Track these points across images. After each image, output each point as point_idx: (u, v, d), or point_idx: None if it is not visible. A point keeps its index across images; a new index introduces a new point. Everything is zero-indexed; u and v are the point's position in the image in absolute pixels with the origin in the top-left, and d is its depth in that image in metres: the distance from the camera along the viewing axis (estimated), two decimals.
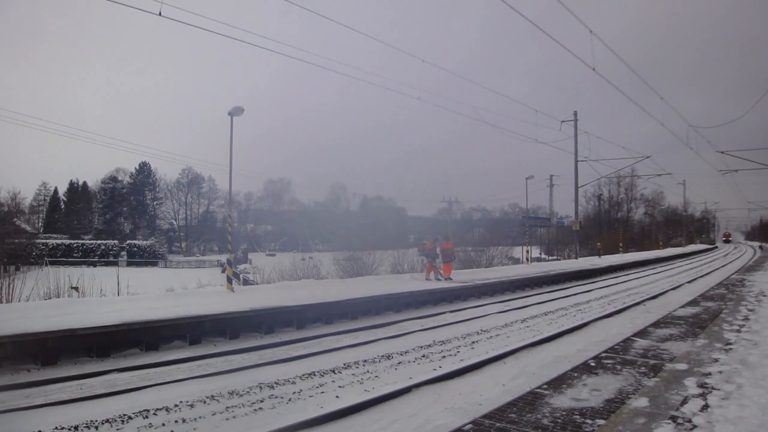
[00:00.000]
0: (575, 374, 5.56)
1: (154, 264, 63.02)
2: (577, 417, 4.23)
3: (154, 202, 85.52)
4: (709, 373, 5.33)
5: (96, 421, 4.91)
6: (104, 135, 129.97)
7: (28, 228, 60.80)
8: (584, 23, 14.49)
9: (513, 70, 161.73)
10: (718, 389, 4.77)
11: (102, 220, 79.33)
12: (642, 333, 7.94)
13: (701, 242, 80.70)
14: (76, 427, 4.76)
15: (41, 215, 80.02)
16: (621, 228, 58.65)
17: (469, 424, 4.11)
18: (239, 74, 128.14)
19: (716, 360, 5.93)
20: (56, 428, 4.72)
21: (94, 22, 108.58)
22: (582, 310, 12.52)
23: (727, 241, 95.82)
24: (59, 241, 62.84)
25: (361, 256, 31.17)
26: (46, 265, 33.94)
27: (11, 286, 12.77)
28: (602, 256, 36.61)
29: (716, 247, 74.04)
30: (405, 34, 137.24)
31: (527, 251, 29.39)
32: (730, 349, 6.52)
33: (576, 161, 33.76)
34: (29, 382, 6.24)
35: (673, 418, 4.03)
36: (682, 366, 5.69)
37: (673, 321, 9.00)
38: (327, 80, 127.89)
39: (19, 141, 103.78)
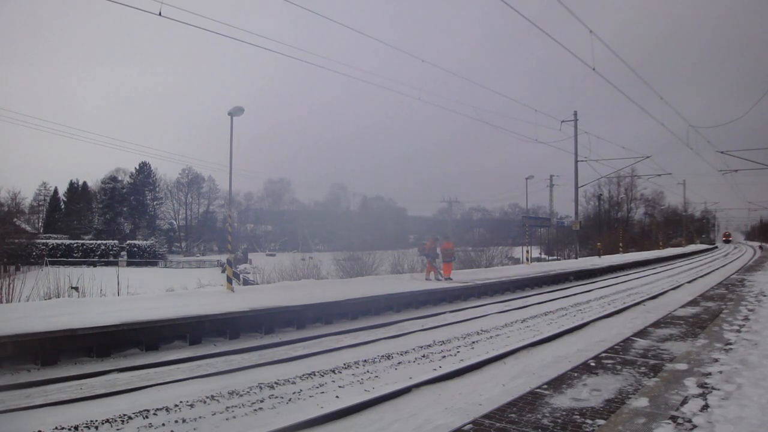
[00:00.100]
0: (575, 374, 5.56)
1: (154, 264, 63.03)
2: (577, 417, 4.23)
3: (154, 202, 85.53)
4: (709, 373, 5.33)
5: (96, 421, 4.91)
6: (104, 135, 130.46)
7: (28, 228, 60.86)
8: (584, 23, 14.50)
9: (513, 70, 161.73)
10: (718, 389, 4.77)
11: (102, 220, 79.34)
12: (642, 333, 7.94)
13: (701, 242, 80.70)
14: (76, 427, 4.76)
15: (41, 215, 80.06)
16: (621, 228, 58.63)
17: (469, 424, 4.11)
18: (239, 74, 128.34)
19: (716, 360, 5.93)
20: (56, 428, 4.72)
21: (94, 22, 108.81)
22: (582, 310, 12.52)
23: (727, 241, 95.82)
24: (59, 241, 62.86)
25: (361, 256, 31.21)
26: (46, 265, 33.95)
27: (11, 286, 12.78)
28: (602, 256, 36.62)
29: (716, 247, 74.05)
30: (405, 34, 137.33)
31: (527, 251, 29.39)
32: (730, 349, 6.52)
33: (576, 161, 33.78)
34: (29, 382, 6.24)
35: (673, 418, 4.03)
36: (682, 366, 5.69)
37: (673, 321, 9.00)
38: (327, 80, 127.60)
39: (19, 141, 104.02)
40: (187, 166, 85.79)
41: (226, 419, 5.06)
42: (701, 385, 4.90)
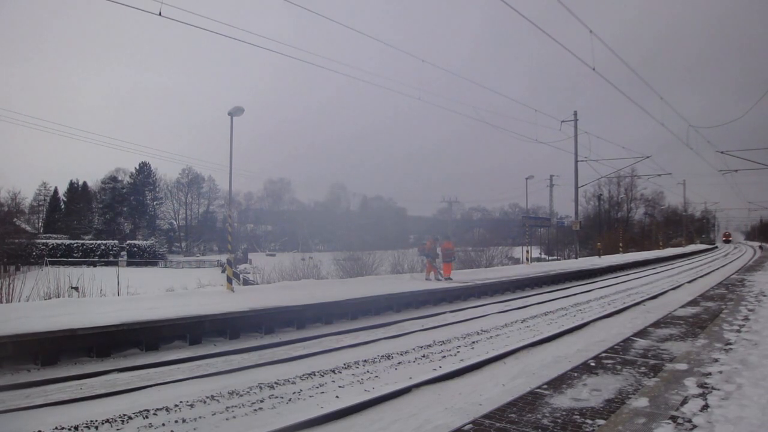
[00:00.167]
0: (575, 374, 5.56)
1: (154, 264, 63.02)
2: (577, 417, 4.23)
3: (154, 202, 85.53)
4: (709, 373, 5.33)
5: (96, 421, 4.91)
6: (104, 135, 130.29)
7: (28, 228, 60.83)
8: (584, 23, 14.50)
9: (513, 70, 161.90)
10: (718, 389, 4.77)
11: (102, 220, 79.35)
12: (642, 333, 7.94)
13: (701, 242, 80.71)
14: (76, 427, 4.76)
15: (41, 215, 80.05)
16: (621, 228, 58.64)
17: (469, 424, 4.11)
18: (239, 74, 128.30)
19: (716, 360, 5.93)
20: (56, 428, 4.72)
21: (94, 22, 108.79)
22: (582, 310, 12.52)
23: (727, 241, 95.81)
24: (59, 241, 62.85)
25: (361, 256, 31.21)
26: (46, 265, 33.94)
27: (11, 286, 12.77)
28: (602, 256, 36.61)
29: (716, 247, 74.03)
30: (405, 34, 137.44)
31: (527, 251, 29.39)
32: (730, 349, 6.52)
33: (576, 161, 33.78)
34: (29, 382, 6.24)
35: (673, 418, 4.03)
36: (682, 366, 5.69)
37: (673, 321, 9.00)
38: (327, 80, 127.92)
39: (19, 141, 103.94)
40: (187, 166, 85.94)
41: (226, 419, 5.06)
42: (701, 385, 4.90)
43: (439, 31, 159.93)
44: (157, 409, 5.23)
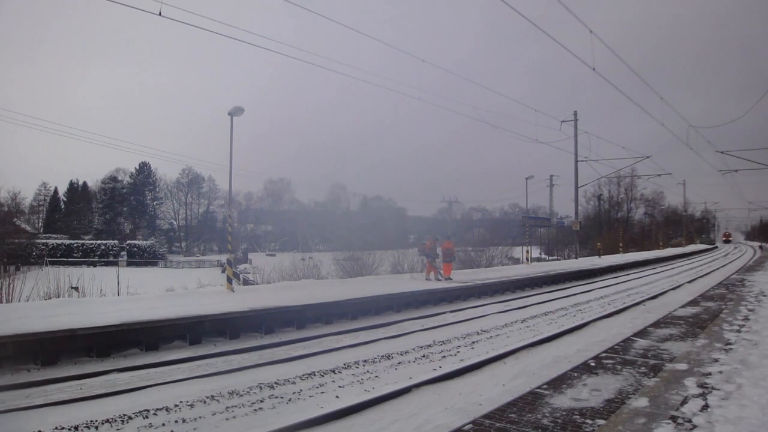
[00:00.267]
0: (575, 374, 5.56)
1: (154, 264, 63.02)
2: (577, 417, 4.23)
3: (154, 202, 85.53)
4: (709, 373, 5.33)
5: (96, 421, 4.91)
6: (104, 135, 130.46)
7: (28, 228, 60.83)
8: (584, 23, 14.50)
9: (513, 70, 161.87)
10: (718, 389, 4.77)
11: (102, 220, 79.34)
12: (642, 333, 7.94)
13: (701, 242, 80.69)
14: (76, 427, 4.76)
15: (41, 215, 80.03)
16: (621, 228, 58.65)
17: (469, 424, 4.11)
18: (239, 74, 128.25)
19: (716, 360, 5.93)
20: (56, 428, 4.72)
21: (94, 22, 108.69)
22: (582, 310, 12.52)
23: (727, 241, 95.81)
24: (59, 241, 62.85)
25: (361, 256, 31.22)
26: (46, 265, 33.94)
27: (11, 286, 12.77)
28: (602, 256, 36.61)
29: (716, 247, 74.03)
30: (405, 34, 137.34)
31: (527, 251, 29.40)
32: (730, 349, 6.52)
33: (576, 161, 33.78)
34: (29, 382, 6.24)
35: (673, 418, 4.03)
36: (682, 366, 5.69)
37: (673, 321, 9.00)
38: (327, 80, 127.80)
39: (19, 141, 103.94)
40: (187, 166, 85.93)
41: (226, 419, 5.06)
42: (701, 385, 4.90)
43: (439, 31, 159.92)
44: (157, 409, 5.23)
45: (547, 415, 4.28)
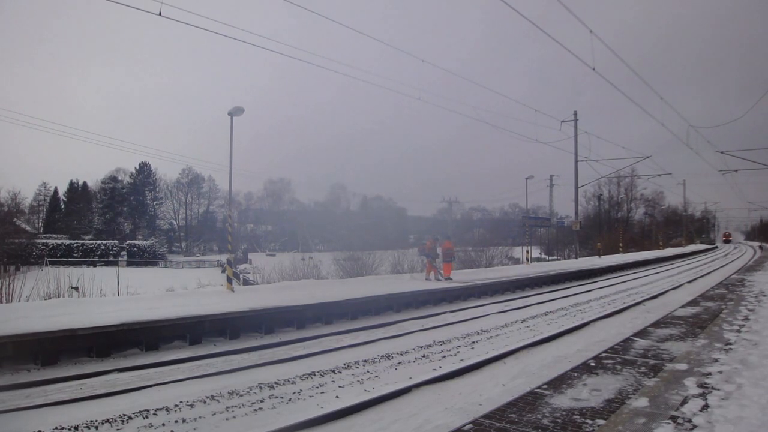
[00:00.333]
0: (575, 374, 5.56)
1: (154, 264, 63.01)
2: (577, 417, 4.23)
3: (154, 202, 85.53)
4: (709, 373, 5.33)
5: (96, 421, 4.91)
6: (104, 135, 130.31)
7: (28, 228, 60.81)
8: (584, 23, 14.51)
9: (513, 70, 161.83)
10: (718, 389, 4.77)
11: (102, 220, 79.33)
12: (642, 333, 7.94)
13: (701, 242, 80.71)
14: (76, 427, 4.76)
15: (41, 215, 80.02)
16: (621, 228, 58.66)
17: (469, 424, 4.11)
18: (239, 74, 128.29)
19: (716, 360, 5.93)
20: (56, 428, 4.72)
21: (94, 22, 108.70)
22: (582, 310, 12.52)
23: (727, 241, 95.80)
24: (59, 241, 62.84)
25: (361, 256, 31.22)
26: (46, 265, 33.94)
27: (11, 286, 12.77)
28: (602, 256, 36.61)
29: (716, 247, 74.03)
30: (405, 33, 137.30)
31: (527, 251, 29.40)
32: (730, 349, 6.52)
33: (576, 161, 33.79)
34: (29, 382, 6.24)
35: (673, 418, 4.03)
36: (682, 366, 5.69)
37: (673, 321, 9.00)
38: (327, 80, 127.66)
39: (19, 141, 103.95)
40: (187, 166, 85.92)
41: (226, 419, 5.06)
42: (701, 385, 4.90)
43: (439, 31, 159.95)
44: (157, 409, 5.23)
45: (547, 415, 4.28)
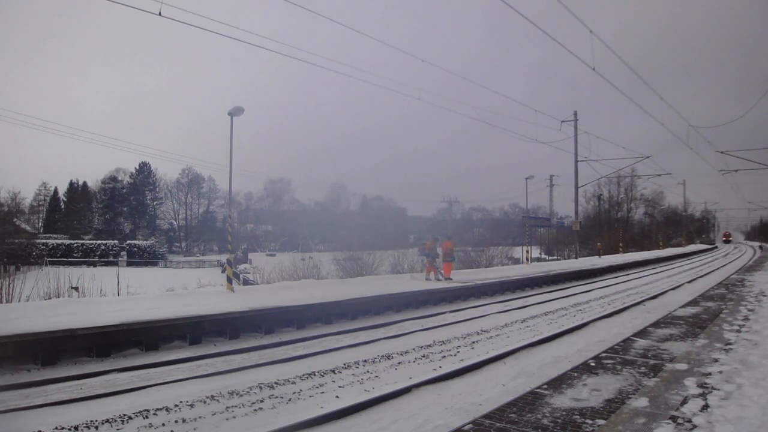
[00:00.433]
0: (575, 374, 5.56)
1: (154, 264, 62.99)
2: (577, 417, 4.23)
3: (154, 202, 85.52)
4: (709, 373, 5.34)
5: (96, 421, 4.91)
6: (104, 135, 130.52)
7: (28, 228, 60.81)
8: (584, 23, 14.51)
9: (513, 69, 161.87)
10: (718, 389, 4.77)
11: (102, 220, 79.32)
12: (642, 333, 7.94)
13: (701, 242, 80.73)
14: (76, 427, 4.76)
15: (41, 215, 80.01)
16: (621, 228, 58.63)
17: (469, 424, 4.11)
18: (239, 74, 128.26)
19: (716, 360, 5.93)
20: (56, 428, 4.72)
21: (94, 22, 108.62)
22: (582, 310, 12.52)
23: (727, 241, 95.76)
24: (59, 241, 62.82)
25: (361, 256, 31.20)
26: (46, 265, 33.93)
27: (11, 286, 12.77)
28: (602, 256, 36.61)
29: (716, 247, 74.02)
30: (405, 34, 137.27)
31: (527, 251, 29.40)
32: (730, 349, 6.52)
33: (576, 161, 33.78)
34: (29, 382, 6.24)
35: (673, 418, 4.03)
36: (682, 366, 5.69)
37: (673, 321, 9.00)
38: (327, 80, 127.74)
39: (19, 141, 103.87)
40: (187, 166, 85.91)
41: (226, 419, 5.06)
42: (701, 385, 4.90)
43: (439, 31, 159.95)
44: (157, 409, 5.23)
45: (547, 415, 4.28)
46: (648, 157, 32.50)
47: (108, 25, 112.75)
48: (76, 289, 13.82)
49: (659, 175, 38.46)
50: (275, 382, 6.21)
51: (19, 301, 12.16)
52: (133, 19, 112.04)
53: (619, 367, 5.87)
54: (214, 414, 5.17)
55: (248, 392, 5.85)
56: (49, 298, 11.94)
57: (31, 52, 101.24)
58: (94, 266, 42.59)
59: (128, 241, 67.85)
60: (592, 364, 6.02)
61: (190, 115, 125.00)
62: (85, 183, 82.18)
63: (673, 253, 44.97)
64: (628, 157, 33.90)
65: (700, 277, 22.92)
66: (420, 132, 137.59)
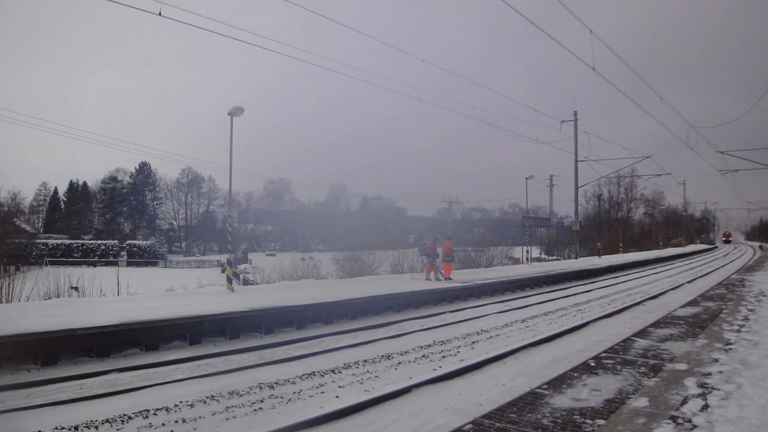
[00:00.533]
0: (575, 374, 5.56)
1: (154, 264, 62.99)
2: (577, 417, 4.23)
3: (154, 202, 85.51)
4: (709, 373, 5.33)
5: (96, 421, 4.91)
6: (104, 135, 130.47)
7: (28, 228, 60.80)
8: (584, 23, 14.51)
9: (513, 69, 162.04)
10: (718, 389, 4.77)
11: (102, 220, 79.31)
12: (642, 333, 7.94)
13: (701, 242, 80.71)
14: (76, 427, 4.76)
15: (41, 215, 79.99)
16: (621, 228, 58.61)
17: (469, 424, 4.11)
18: (239, 74, 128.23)
19: (716, 360, 5.93)
20: (56, 428, 4.72)
21: (94, 22, 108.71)
22: (582, 310, 12.52)
23: (727, 241, 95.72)
24: (59, 241, 62.82)
25: (361, 256, 31.18)
26: (46, 265, 33.94)
27: (11, 286, 12.77)
28: (602, 256, 36.61)
29: (716, 247, 74.01)
30: (405, 34, 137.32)
31: (527, 251, 29.38)
32: (730, 349, 6.52)
33: (576, 161, 33.77)
34: (29, 382, 6.24)
35: (673, 418, 4.03)
36: (682, 366, 5.69)
37: (673, 321, 9.00)
38: (327, 80, 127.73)
39: (19, 141, 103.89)
40: (187, 166, 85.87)
41: (226, 419, 5.06)
42: (701, 385, 4.90)
43: (439, 31, 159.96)
44: (157, 409, 5.23)
45: (547, 415, 4.28)
46: (648, 157, 32.52)
47: (108, 25, 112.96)
48: (76, 289, 13.82)
49: (659, 175, 38.50)
50: (275, 382, 6.21)
51: (19, 301, 12.16)
52: (133, 19, 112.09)
53: (619, 367, 5.87)
54: (214, 414, 5.17)
55: (248, 392, 5.85)
56: (49, 298, 11.94)
57: (31, 52, 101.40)
58: (94, 266, 42.60)
59: (128, 241, 67.84)
60: (592, 364, 6.02)
61: (190, 115, 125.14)
62: (85, 183, 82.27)
63: (673, 253, 44.97)
64: (628, 157, 33.93)
65: (700, 277, 22.92)
66: (420, 132, 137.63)
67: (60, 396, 5.70)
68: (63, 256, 55.37)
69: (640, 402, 4.43)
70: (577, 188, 35.44)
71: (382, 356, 7.65)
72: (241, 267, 49.87)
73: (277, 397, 5.72)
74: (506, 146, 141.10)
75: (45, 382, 6.25)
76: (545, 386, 5.12)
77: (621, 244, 45.64)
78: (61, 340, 7.26)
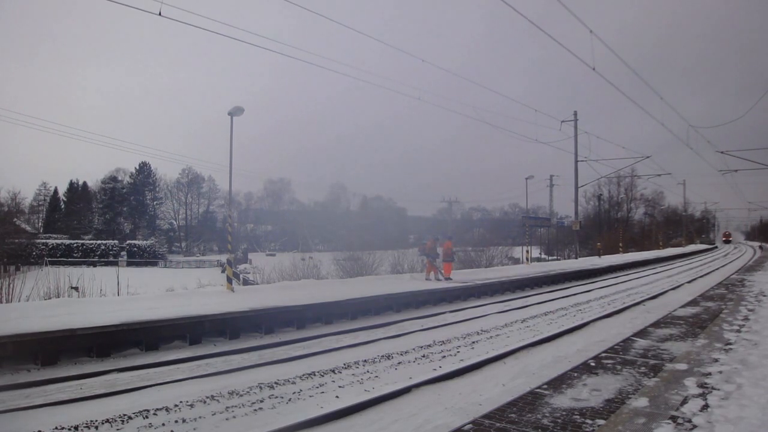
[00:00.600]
0: (575, 374, 5.56)
1: (154, 264, 62.99)
2: (577, 417, 4.23)
3: (154, 202, 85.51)
4: (709, 373, 5.33)
5: (96, 421, 4.91)
6: (104, 135, 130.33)
7: (28, 228, 60.80)
8: (584, 23, 14.51)
9: (513, 69, 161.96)
10: (718, 389, 4.77)
11: (102, 220, 79.31)
12: (642, 333, 7.94)
13: (701, 242, 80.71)
14: (76, 427, 4.76)
15: (41, 215, 79.99)
16: (621, 228, 58.62)
17: (469, 424, 4.11)
18: (239, 74, 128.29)
19: (716, 360, 5.93)
20: (56, 428, 4.72)
21: (94, 22, 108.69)
22: (582, 310, 12.52)
23: (727, 241, 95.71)
24: (59, 241, 62.82)
25: (361, 256, 31.17)
26: (46, 265, 33.93)
27: (11, 286, 12.77)
28: (602, 256, 36.62)
29: (716, 247, 74.01)
30: (405, 33, 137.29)
31: (527, 251, 29.37)
32: (730, 349, 6.52)
33: (576, 161, 33.78)
34: (29, 382, 6.24)
35: (673, 418, 4.03)
36: (682, 366, 5.69)
37: (673, 321, 9.00)
38: (327, 80, 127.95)
39: (19, 141, 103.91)
40: (187, 166, 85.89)
41: (226, 419, 5.06)
42: (701, 385, 4.90)
43: (439, 31, 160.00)
44: (157, 409, 5.23)
45: (547, 415, 4.28)
46: (648, 157, 32.54)
47: (108, 25, 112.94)
48: (76, 289, 13.82)
49: (659, 175, 38.51)
50: (275, 382, 6.21)
51: (19, 301, 12.16)
52: (133, 19, 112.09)
53: (619, 367, 5.87)
54: (214, 414, 5.17)
55: (248, 392, 5.85)
56: (49, 298, 11.94)
57: (31, 52, 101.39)
58: (94, 266, 42.61)
59: (128, 241, 67.85)
60: (592, 364, 6.02)
61: (190, 115, 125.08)
62: (85, 183, 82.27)
63: (673, 253, 44.97)
64: (628, 157, 33.97)
65: (700, 277, 22.92)
66: (420, 132, 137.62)
67: (60, 396, 5.70)
68: (63, 256, 55.37)
69: (640, 402, 4.43)
70: (577, 188, 35.47)
71: (382, 356, 7.65)
72: (241, 267, 49.88)
73: (277, 397, 5.72)
74: (506, 146, 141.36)
75: (45, 382, 6.25)
76: (545, 386, 5.12)
77: (621, 244, 45.64)
78: (61, 340, 7.26)
